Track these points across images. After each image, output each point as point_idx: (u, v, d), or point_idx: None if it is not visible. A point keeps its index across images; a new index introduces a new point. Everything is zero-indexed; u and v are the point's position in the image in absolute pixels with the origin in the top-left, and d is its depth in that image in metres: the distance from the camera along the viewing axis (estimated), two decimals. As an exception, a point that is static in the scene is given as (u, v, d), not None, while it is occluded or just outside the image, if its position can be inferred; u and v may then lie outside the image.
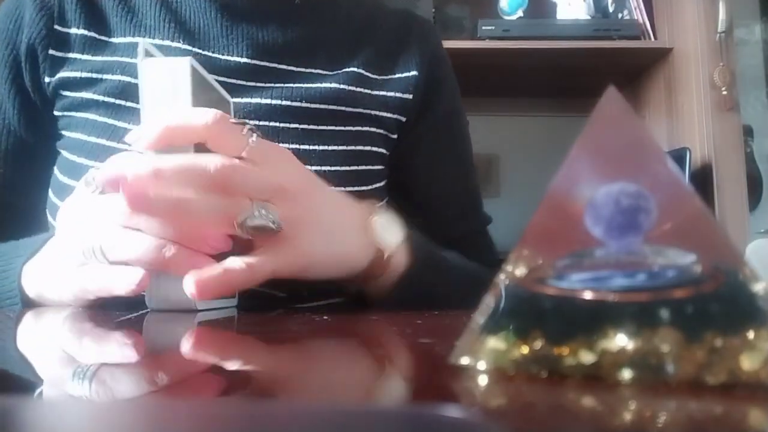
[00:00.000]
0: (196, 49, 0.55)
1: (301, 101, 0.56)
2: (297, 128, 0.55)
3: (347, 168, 0.56)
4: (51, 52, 0.54)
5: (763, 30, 1.99)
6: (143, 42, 0.41)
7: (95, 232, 0.39)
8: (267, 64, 0.57)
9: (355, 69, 0.60)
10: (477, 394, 0.18)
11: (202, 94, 0.42)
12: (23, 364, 0.24)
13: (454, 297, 0.52)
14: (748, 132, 1.76)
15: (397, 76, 0.62)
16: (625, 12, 1.74)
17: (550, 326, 0.18)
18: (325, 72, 0.59)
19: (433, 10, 1.76)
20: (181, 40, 0.56)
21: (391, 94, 0.61)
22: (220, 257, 0.39)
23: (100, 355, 0.26)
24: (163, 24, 0.56)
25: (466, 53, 1.69)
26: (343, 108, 0.57)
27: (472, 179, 0.71)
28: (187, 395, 0.18)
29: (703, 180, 1.49)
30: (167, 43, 0.55)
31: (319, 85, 0.57)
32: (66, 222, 0.43)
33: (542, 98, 2.00)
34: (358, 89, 0.59)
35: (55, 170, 0.56)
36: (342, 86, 0.58)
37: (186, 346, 0.28)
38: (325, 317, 0.41)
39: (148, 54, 0.41)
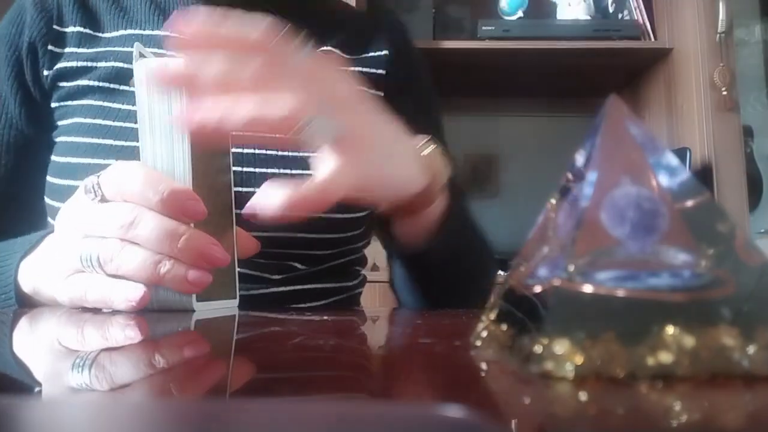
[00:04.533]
0: None
1: None
2: None
3: None
4: (50, 47, 0.59)
5: (763, 30, 1.99)
6: (137, 45, 0.42)
7: (94, 242, 0.39)
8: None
9: (330, 48, 0.63)
10: (575, 402, 0.17)
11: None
12: (20, 362, 0.24)
13: (474, 254, 0.58)
14: (748, 132, 1.76)
15: (370, 54, 0.65)
16: (625, 12, 1.74)
17: (622, 327, 0.18)
18: None
19: (433, 10, 1.76)
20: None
21: (365, 69, 0.64)
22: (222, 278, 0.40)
23: (103, 356, 0.26)
24: (151, 16, 0.60)
25: (466, 53, 1.69)
26: None
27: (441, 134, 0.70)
28: (187, 395, 0.18)
29: (703, 180, 1.49)
30: (156, 32, 0.59)
31: None
32: (65, 225, 0.43)
33: (542, 98, 2.00)
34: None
35: (52, 157, 0.58)
36: None
37: (185, 345, 0.28)
38: (325, 317, 0.41)
39: (141, 56, 0.41)
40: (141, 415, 0.15)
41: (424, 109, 0.70)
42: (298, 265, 0.57)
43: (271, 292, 0.56)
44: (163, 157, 0.41)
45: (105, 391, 0.18)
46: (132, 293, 0.38)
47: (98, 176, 0.41)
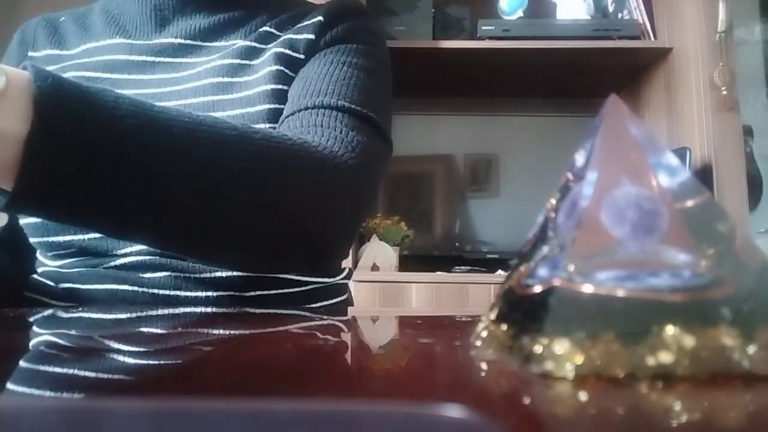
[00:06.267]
0: (132, 41, 0.66)
1: (216, 61, 0.62)
2: (213, 82, 0.60)
3: (260, 107, 0.58)
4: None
5: (763, 30, 1.99)
6: None
7: None
8: (191, 42, 0.66)
9: (267, 29, 0.66)
10: (573, 401, 0.17)
11: None
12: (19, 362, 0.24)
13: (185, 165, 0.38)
14: (748, 132, 1.76)
15: (304, 23, 0.65)
16: (625, 12, 1.74)
17: (622, 327, 0.18)
18: (242, 40, 0.65)
19: (433, 10, 1.76)
20: (119, 36, 0.67)
21: (295, 36, 0.64)
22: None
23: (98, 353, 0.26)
24: (108, 29, 0.68)
25: (466, 53, 1.69)
26: (249, 59, 0.63)
27: (362, 84, 0.58)
28: (186, 395, 0.18)
29: (703, 180, 1.49)
30: (109, 41, 0.66)
31: (233, 43, 0.64)
32: None
33: (542, 98, 2.00)
34: (266, 42, 0.65)
35: None
36: (253, 43, 0.64)
37: (183, 345, 0.28)
38: (325, 317, 0.41)
39: None
40: (141, 415, 0.15)
41: (344, 44, 0.62)
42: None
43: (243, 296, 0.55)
44: None
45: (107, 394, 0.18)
46: None
47: None
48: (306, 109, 0.53)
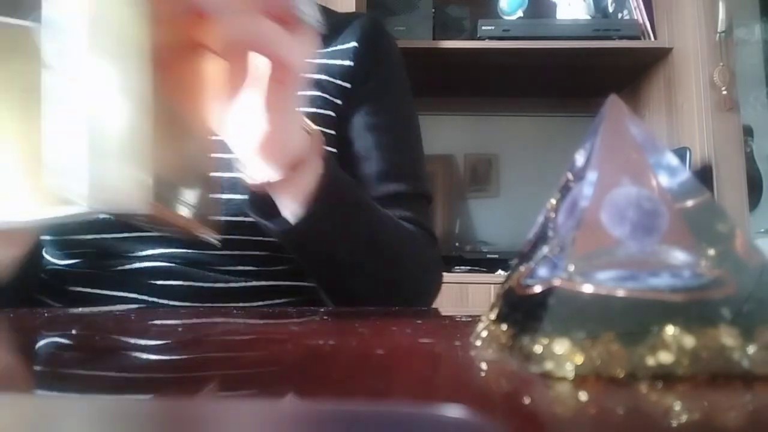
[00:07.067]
0: None
1: None
2: None
3: None
4: None
5: (763, 30, 1.99)
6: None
7: None
8: None
9: None
10: (575, 401, 0.17)
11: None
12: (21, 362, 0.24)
13: (372, 239, 0.53)
14: (748, 132, 1.76)
15: (339, 47, 0.66)
16: (625, 12, 1.74)
17: (622, 327, 0.18)
18: None
19: (433, 10, 1.76)
20: None
21: (332, 61, 0.65)
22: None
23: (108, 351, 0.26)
24: None
25: (466, 53, 1.69)
26: None
27: (412, 149, 0.69)
28: (185, 395, 0.18)
29: (703, 180, 1.48)
30: None
31: None
32: None
33: (542, 98, 2.00)
34: None
35: None
36: None
37: (183, 344, 0.28)
38: (326, 317, 0.41)
39: None
40: (142, 415, 0.15)
41: (389, 92, 0.68)
42: (252, 268, 0.58)
43: (234, 287, 0.56)
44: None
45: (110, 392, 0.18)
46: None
47: None
48: (380, 198, 0.61)
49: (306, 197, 0.47)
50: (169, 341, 0.30)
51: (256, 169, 0.45)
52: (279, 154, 0.44)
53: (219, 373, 0.22)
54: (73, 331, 0.33)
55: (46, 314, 0.42)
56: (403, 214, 0.62)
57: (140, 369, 0.23)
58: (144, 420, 0.14)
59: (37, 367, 0.24)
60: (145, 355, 0.26)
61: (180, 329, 0.35)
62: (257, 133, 0.41)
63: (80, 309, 0.46)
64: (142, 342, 0.31)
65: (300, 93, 0.43)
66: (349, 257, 0.52)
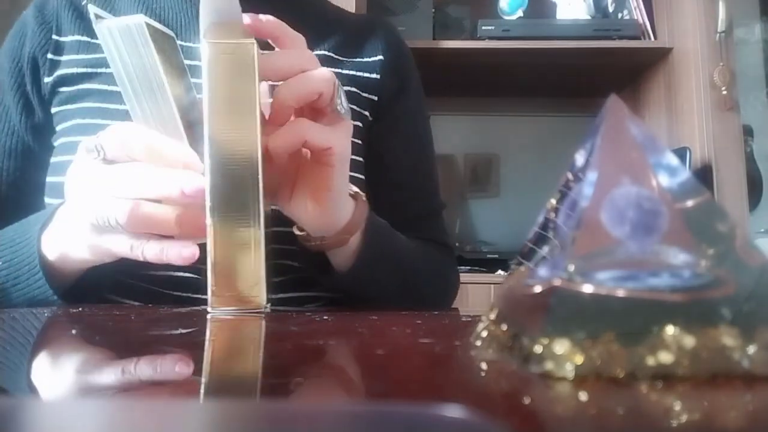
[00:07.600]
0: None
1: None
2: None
3: None
4: (49, 56, 0.62)
5: (763, 30, 1.99)
6: (92, 7, 0.42)
7: (107, 204, 0.42)
8: None
9: (325, 52, 0.65)
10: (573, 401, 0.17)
11: (165, 45, 0.42)
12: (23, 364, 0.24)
13: (411, 272, 0.60)
14: (748, 132, 1.76)
15: (365, 59, 0.68)
16: (625, 12, 1.74)
17: (622, 327, 0.18)
18: None
19: (433, 10, 1.76)
20: None
21: (360, 73, 0.66)
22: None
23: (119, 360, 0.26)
24: (139, 12, 0.63)
25: (466, 53, 1.69)
26: None
27: (432, 166, 0.76)
28: (185, 396, 0.18)
29: (703, 180, 1.49)
30: None
31: None
32: (74, 191, 0.45)
33: (542, 98, 2.00)
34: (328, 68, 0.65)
35: (52, 159, 0.60)
36: None
37: (185, 345, 0.28)
38: (326, 317, 0.41)
39: (98, 18, 0.41)
40: (142, 415, 0.15)
41: (414, 114, 0.73)
42: (295, 264, 0.57)
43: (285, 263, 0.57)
44: (152, 113, 0.42)
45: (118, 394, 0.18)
46: (186, 252, 0.42)
47: (98, 137, 0.44)
48: (405, 220, 0.65)
49: (352, 253, 0.53)
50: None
51: (312, 235, 0.50)
52: (333, 227, 0.50)
53: (219, 373, 0.22)
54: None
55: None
56: (428, 236, 0.68)
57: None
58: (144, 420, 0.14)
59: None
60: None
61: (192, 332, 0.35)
62: (314, 213, 0.48)
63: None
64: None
65: (347, 171, 0.48)
66: (381, 293, 0.57)
